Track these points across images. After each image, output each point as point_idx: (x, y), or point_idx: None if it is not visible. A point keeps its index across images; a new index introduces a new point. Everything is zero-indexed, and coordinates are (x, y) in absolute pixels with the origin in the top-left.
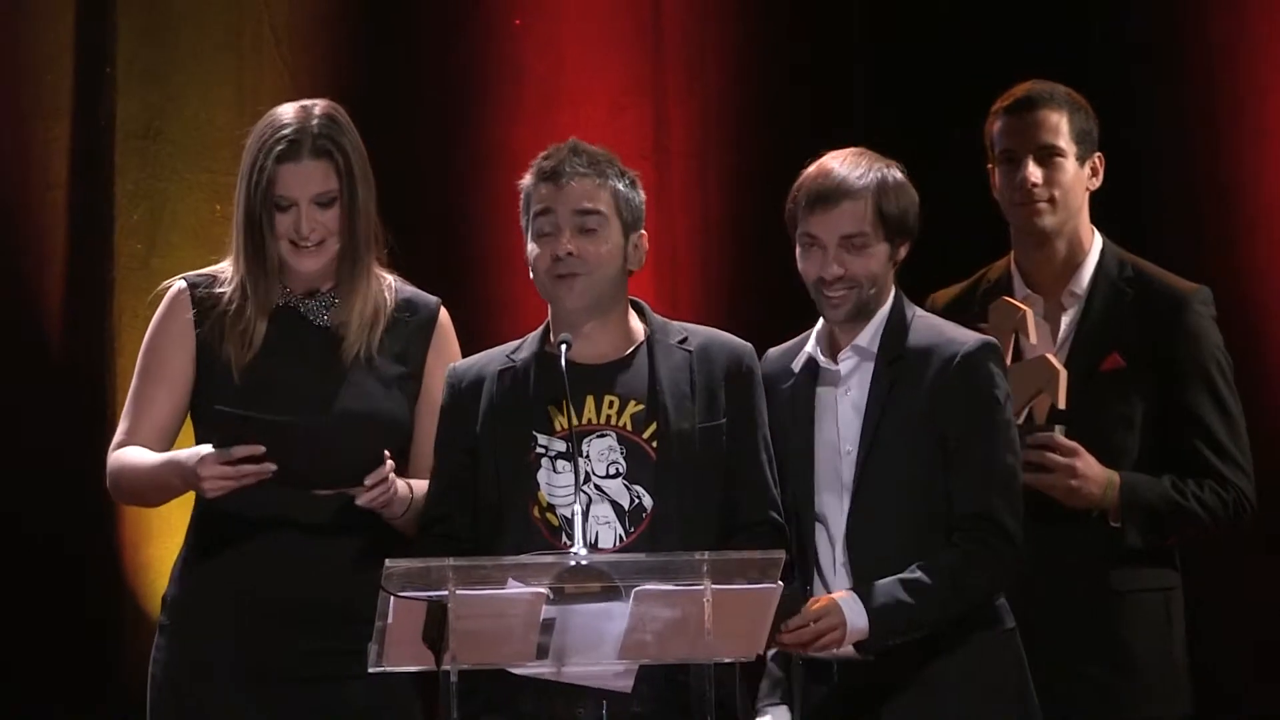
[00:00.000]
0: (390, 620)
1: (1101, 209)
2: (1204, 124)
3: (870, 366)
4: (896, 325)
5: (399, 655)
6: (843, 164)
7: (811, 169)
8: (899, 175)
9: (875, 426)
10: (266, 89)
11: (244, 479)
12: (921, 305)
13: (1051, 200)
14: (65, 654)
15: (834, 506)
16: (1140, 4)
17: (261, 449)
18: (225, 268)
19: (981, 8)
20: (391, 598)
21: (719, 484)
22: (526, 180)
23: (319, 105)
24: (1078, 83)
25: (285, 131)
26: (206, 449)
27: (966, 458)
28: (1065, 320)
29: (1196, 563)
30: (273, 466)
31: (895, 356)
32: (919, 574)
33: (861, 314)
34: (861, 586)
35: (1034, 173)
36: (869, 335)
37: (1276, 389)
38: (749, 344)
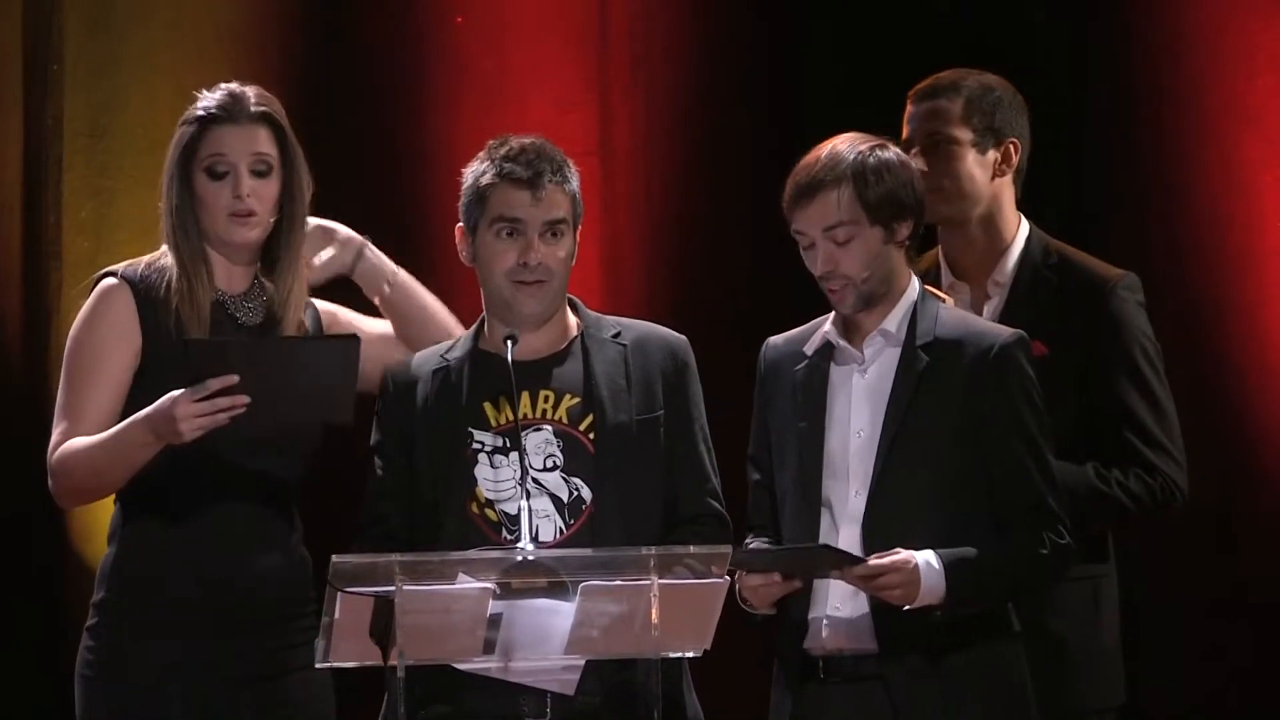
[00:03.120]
0: (337, 616)
1: (1045, 205)
2: (1148, 121)
3: (896, 352)
4: (923, 312)
5: (346, 651)
6: (821, 154)
7: (798, 164)
8: (884, 154)
9: (903, 415)
10: (211, 86)
11: (219, 415)
12: None
13: (941, 189)
14: (22, 644)
15: (839, 491)
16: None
17: (235, 378)
18: (157, 257)
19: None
20: (339, 593)
21: (659, 475)
22: (487, 178)
23: (248, 85)
24: (1024, 81)
25: (217, 98)
26: (177, 392)
27: (1012, 451)
28: (988, 309)
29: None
30: (246, 399)
31: (926, 344)
32: (995, 550)
33: (871, 302)
34: (944, 551)
35: (918, 161)
36: (895, 320)
37: (1219, 386)
38: (683, 336)
